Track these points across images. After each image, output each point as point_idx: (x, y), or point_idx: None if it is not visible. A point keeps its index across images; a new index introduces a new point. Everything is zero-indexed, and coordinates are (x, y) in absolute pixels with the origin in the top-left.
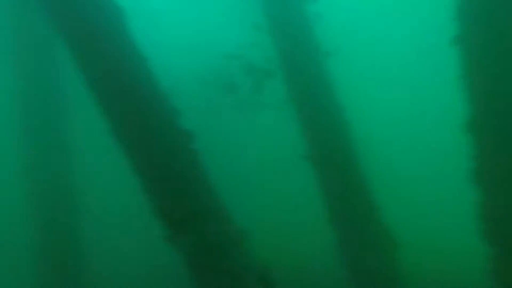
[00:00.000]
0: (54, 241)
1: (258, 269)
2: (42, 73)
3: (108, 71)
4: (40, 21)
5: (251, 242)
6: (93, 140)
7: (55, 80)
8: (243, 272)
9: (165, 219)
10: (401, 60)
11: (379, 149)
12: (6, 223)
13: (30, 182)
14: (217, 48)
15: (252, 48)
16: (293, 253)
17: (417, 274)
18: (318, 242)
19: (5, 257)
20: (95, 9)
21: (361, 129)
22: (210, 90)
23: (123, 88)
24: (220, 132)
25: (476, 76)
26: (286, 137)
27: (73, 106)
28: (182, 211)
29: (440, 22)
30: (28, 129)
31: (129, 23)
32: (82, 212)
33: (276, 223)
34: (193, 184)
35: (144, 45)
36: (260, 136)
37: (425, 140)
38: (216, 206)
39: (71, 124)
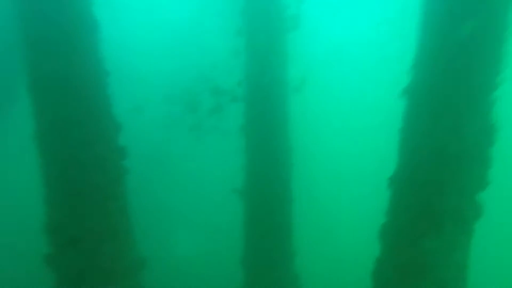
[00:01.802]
0: None
1: None
2: None
3: (58, 75)
4: None
5: (148, 273)
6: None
7: None
8: None
9: (55, 235)
10: (354, 110)
11: (313, 198)
12: None
13: None
14: (189, 68)
15: (223, 71)
16: None
17: None
18: (222, 282)
19: None
20: (66, 20)
21: (301, 174)
22: (171, 106)
23: (67, 92)
24: (161, 151)
25: (412, 130)
26: (228, 167)
27: None
28: (79, 228)
29: (396, 73)
30: None
31: (99, 36)
32: None
33: (182, 256)
34: (107, 202)
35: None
36: (202, 162)
37: (354, 195)
38: (122, 229)
39: None
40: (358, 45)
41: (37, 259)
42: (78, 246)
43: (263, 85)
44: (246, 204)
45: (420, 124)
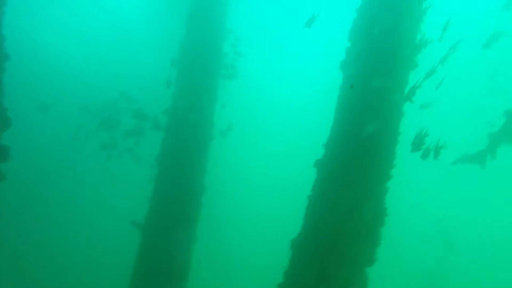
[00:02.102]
0: None
1: None
2: None
3: None
4: None
5: None
6: None
7: None
8: None
9: None
10: (270, 166)
11: (215, 243)
12: None
13: None
14: (114, 84)
15: (151, 96)
16: None
17: None
18: None
19: None
20: None
21: (208, 217)
22: (86, 118)
23: None
24: (60, 161)
25: (318, 201)
26: (132, 195)
27: None
28: None
29: (313, 143)
30: None
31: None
32: None
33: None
34: None
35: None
36: (106, 184)
37: (256, 249)
38: None
39: None
40: (285, 110)
41: None
42: None
43: (189, 120)
44: (143, 239)
45: (325, 197)
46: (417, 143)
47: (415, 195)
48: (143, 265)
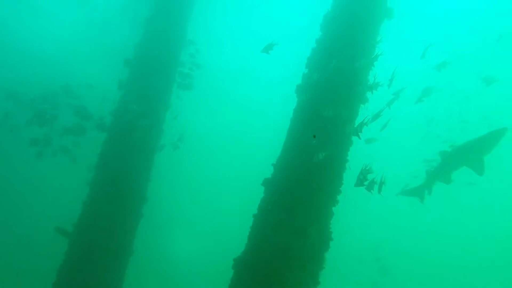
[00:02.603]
0: None
1: None
2: None
3: None
4: None
5: None
6: None
7: None
8: None
9: None
10: (216, 183)
11: (153, 253)
12: None
13: None
14: (58, 76)
15: (97, 95)
16: None
17: None
18: None
19: None
20: None
21: (149, 228)
22: (19, 107)
23: None
24: None
25: (263, 220)
26: (61, 197)
27: None
28: None
29: (262, 162)
30: None
31: None
32: None
33: None
34: None
35: None
36: (35, 181)
37: (196, 264)
38: None
39: None
40: (238, 126)
41: None
42: None
43: (138, 125)
44: (71, 246)
45: (271, 217)
46: (361, 179)
47: (356, 222)
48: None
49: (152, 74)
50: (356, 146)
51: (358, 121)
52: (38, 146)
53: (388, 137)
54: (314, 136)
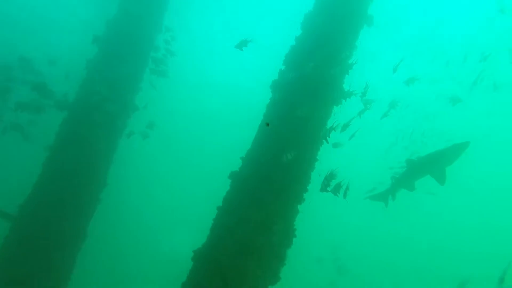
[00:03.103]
0: None
1: None
2: None
3: None
4: None
5: None
6: None
7: None
8: None
9: None
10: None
11: (107, 243)
12: None
13: None
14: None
15: (59, 72)
16: None
17: None
18: None
19: None
20: None
21: (105, 214)
22: None
23: None
24: None
25: (229, 217)
26: (13, 179)
27: None
28: None
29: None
30: None
31: None
32: None
33: None
34: None
35: None
36: None
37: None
38: None
39: None
40: (209, 117)
41: None
42: None
43: (103, 108)
44: (12, 230)
45: (235, 211)
46: (325, 184)
47: (316, 222)
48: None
49: (123, 56)
50: (325, 151)
51: (329, 123)
52: None
53: (357, 145)
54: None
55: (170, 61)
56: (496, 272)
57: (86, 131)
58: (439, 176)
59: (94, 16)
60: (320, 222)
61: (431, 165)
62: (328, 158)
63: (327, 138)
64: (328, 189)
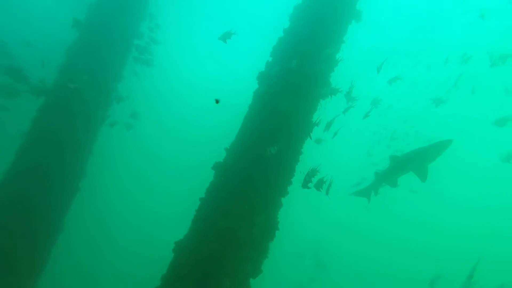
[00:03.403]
0: None
1: None
2: None
3: None
4: None
5: None
6: None
7: None
8: None
9: None
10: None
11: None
12: None
13: None
14: None
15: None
16: None
17: None
18: None
19: None
20: None
21: (84, 200)
22: None
23: None
24: None
25: (210, 207)
26: None
27: None
28: None
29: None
30: None
31: None
32: None
33: None
34: None
35: None
36: None
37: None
38: None
39: None
40: (193, 108)
41: None
42: None
43: (83, 96)
44: None
45: (218, 203)
46: (307, 181)
47: (297, 218)
48: None
49: (105, 41)
50: (309, 148)
51: (314, 118)
52: None
53: (340, 142)
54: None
55: (155, 49)
56: (465, 269)
57: (64, 119)
58: (421, 173)
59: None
60: (301, 217)
61: (414, 162)
62: (311, 155)
63: (310, 134)
64: (310, 186)
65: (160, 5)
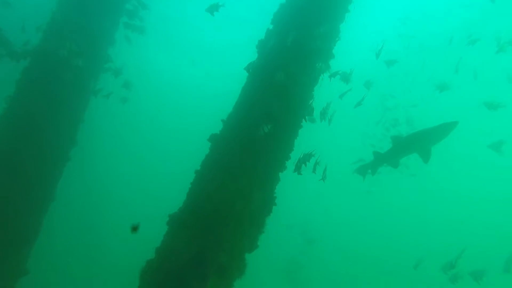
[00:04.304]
0: None
1: None
2: None
3: None
4: None
5: None
6: None
7: None
8: None
9: None
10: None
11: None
12: None
13: None
14: None
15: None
16: None
17: None
18: None
19: None
20: None
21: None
22: None
23: None
24: None
25: (202, 180)
26: None
27: None
28: None
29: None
30: None
31: None
32: None
33: None
34: None
35: None
36: None
37: None
38: None
39: None
40: (189, 79)
41: None
42: None
43: (73, 64)
44: None
45: (215, 176)
46: (298, 166)
47: (289, 194)
48: None
49: (93, 4)
50: (304, 130)
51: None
52: None
53: (337, 123)
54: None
55: (147, 16)
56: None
57: (50, 86)
58: (424, 154)
59: None
60: (290, 190)
61: (417, 143)
62: (307, 137)
63: (306, 117)
64: (301, 172)
65: None
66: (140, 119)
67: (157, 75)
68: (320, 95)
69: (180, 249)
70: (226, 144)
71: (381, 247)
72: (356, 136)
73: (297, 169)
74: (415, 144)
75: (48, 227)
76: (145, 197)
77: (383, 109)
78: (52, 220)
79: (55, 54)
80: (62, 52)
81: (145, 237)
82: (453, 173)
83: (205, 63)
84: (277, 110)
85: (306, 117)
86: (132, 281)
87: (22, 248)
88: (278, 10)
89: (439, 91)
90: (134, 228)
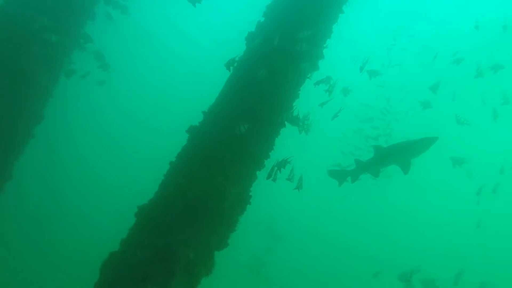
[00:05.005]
0: None
1: None
2: None
3: None
4: None
5: None
6: None
7: None
8: None
9: None
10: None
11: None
12: None
13: None
14: None
15: None
16: None
17: None
18: None
19: None
20: None
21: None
22: None
23: None
24: None
25: (184, 172)
26: None
27: None
28: None
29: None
30: None
31: None
32: None
33: None
34: None
35: None
36: None
37: None
38: None
39: None
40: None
41: None
42: None
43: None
44: None
45: (190, 169)
46: (271, 174)
47: (260, 191)
48: None
49: None
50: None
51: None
52: None
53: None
54: None
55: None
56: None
57: (19, 63)
58: (403, 166)
59: None
60: (263, 191)
61: (398, 155)
62: (283, 142)
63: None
64: (273, 179)
65: None
66: (116, 103)
67: (139, 58)
68: (302, 100)
69: (147, 243)
70: (204, 137)
71: (344, 253)
72: (333, 143)
73: (270, 176)
74: (396, 155)
75: (2, 206)
76: (116, 187)
77: (363, 118)
78: (5, 200)
79: (24, 28)
80: (33, 27)
81: (114, 229)
82: (421, 184)
83: (191, 52)
84: (258, 107)
85: (289, 117)
86: (94, 274)
87: None
88: (271, 4)
89: (423, 108)
90: None
